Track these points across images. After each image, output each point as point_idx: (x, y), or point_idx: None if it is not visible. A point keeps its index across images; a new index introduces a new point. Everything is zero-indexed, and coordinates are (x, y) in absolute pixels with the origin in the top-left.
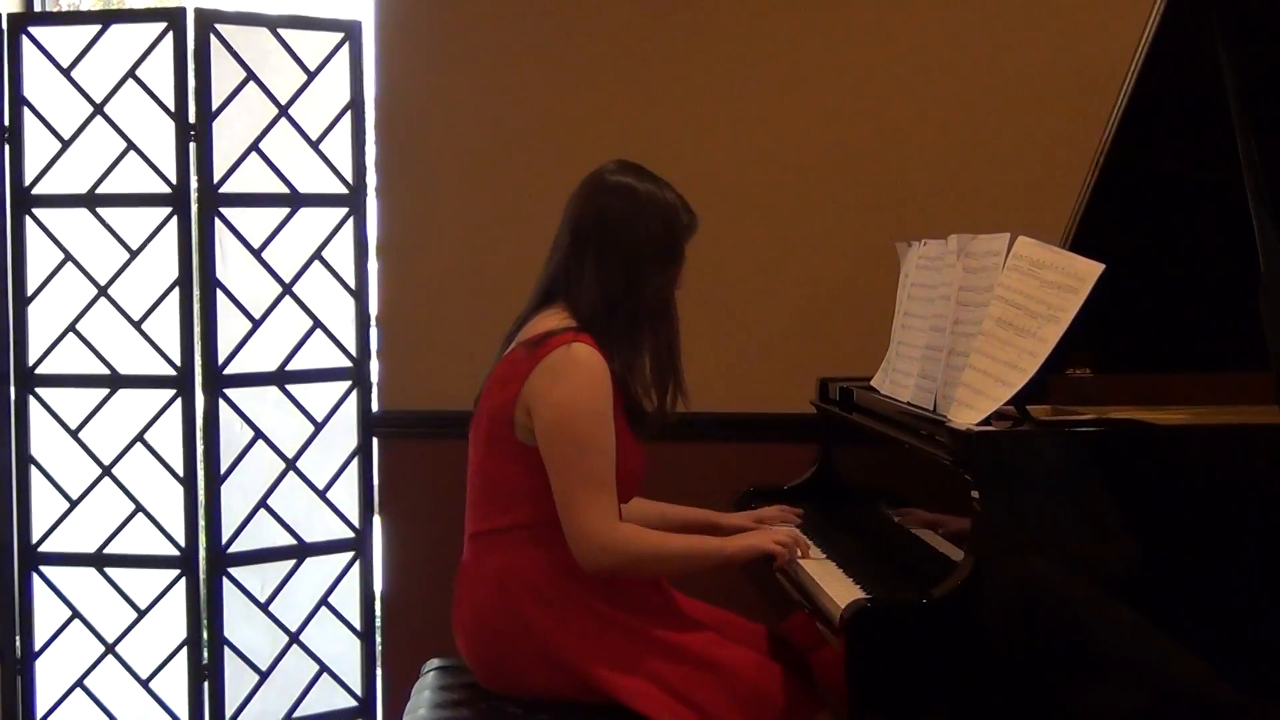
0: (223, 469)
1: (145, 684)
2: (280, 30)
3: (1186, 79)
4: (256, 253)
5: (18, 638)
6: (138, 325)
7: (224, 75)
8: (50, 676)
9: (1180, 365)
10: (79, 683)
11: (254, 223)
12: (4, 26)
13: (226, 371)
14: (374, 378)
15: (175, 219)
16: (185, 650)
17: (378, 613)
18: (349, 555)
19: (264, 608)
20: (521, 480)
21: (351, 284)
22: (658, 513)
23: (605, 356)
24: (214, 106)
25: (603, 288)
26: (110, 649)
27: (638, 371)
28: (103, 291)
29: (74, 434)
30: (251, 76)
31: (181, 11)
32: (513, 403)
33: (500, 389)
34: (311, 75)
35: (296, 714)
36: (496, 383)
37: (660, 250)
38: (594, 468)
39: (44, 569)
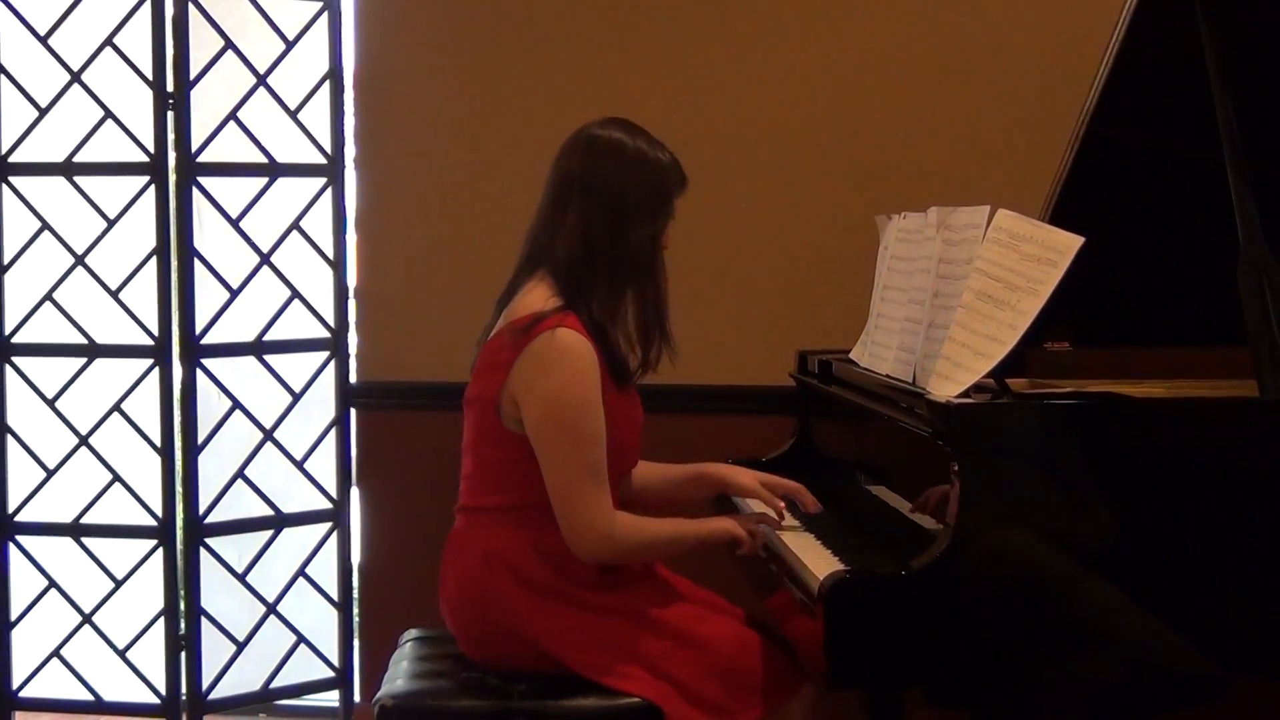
0: (200, 439)
1: (122, 654)
2: None
3: (1167, 52)
4: (234, 222)
5: None
6: (115, 295)
7: (202, 44)
8: (27, 646)
9: (1158, 339)
10: (55, 653)
11: (232, 192)
12: None
13: (204, 341)
14: (352, 349)
15: (153, 188)
16: (162, 620)
17: (355, 584)
18: (326, 526)
19: (241, 578)
20: (510, 465)
21: (330, 254)
22: (658, 473)
23: (586, 307)
24: (192, 75)
25: (586, 235)
26: (87, 619)
27: (620, 321)
28: (80, 260)
29: (51, 403)
30: (230, 45)
31: None
32: (498, 392)
33: (486, 378)
34: (290, 45)
35: (274, 684)
36: (483, 370)
37: (648, 201)
38: (587, 459)
39: (20, 539)
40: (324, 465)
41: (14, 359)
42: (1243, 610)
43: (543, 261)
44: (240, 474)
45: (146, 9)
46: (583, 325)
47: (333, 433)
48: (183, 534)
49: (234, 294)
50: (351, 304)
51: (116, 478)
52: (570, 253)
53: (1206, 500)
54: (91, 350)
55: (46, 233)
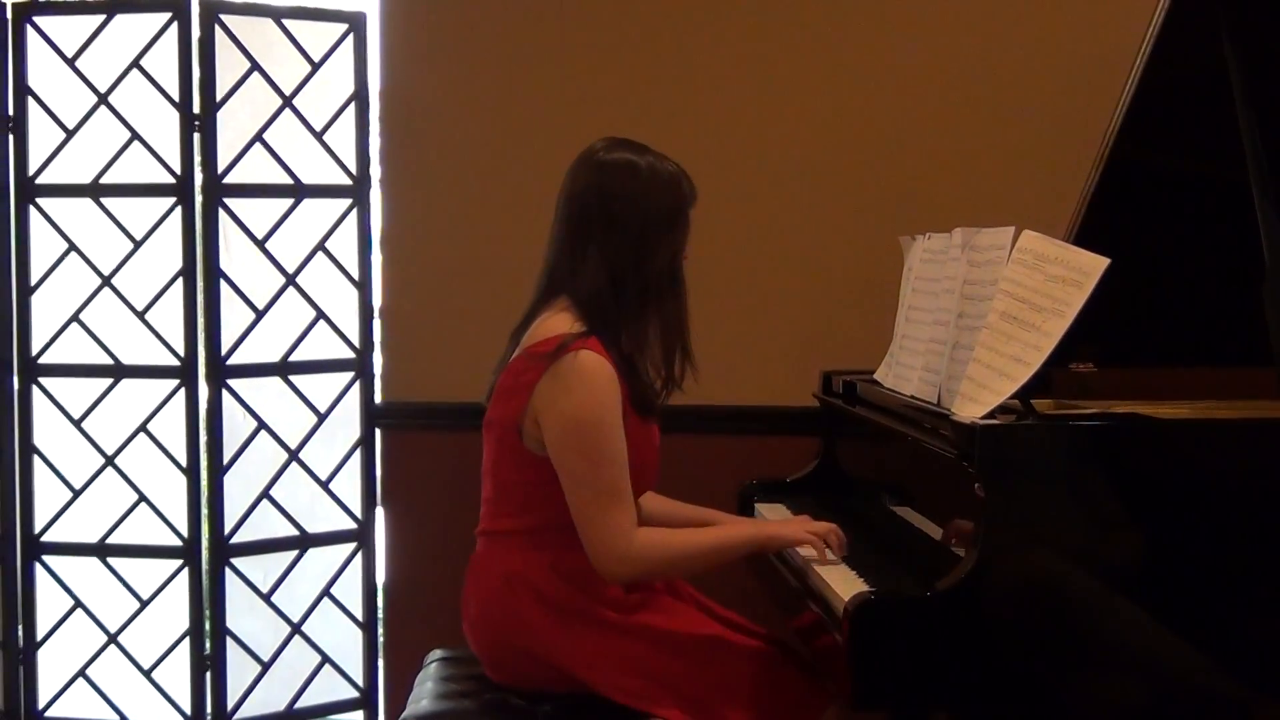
0: (226, 459)
1: (147, 674)
2: (285, 21)
3: (1191, 73)
4: (260, 243)
5: (20, 627)
6: (141, 315)
7: (228, 66)
8: (52, 666)
9: (1183, 360)
10: (81, 672)
11: (258, 213)
12: (8, 16)
13: (230, 362)
14: (377, 369)
15: (179, 209)
16: (187, 640)
17: (380, 604)
18: (351, 546)
19: (266, 598)
20: (530, 487)
21: (355, 275)
22: (668, 517)
23: (612, 338)
24: (218, 97)
25: (609, 268)
26: (113, 639)
27: (649, 347)
28: (106, 281)
29: (77, 424)
30: (256, 67)
31: (187, 1)
32: (520, 414)
33: (508, 399)
34: (316, 66)
35: (298, 705)
36: (503, 392)
37: (666, 221)
38: (607, 479)
39: (47, 559)
40: (349, 485)
41: (41, 379)
42: (1270, 633)
43: (562, 292)
44: (265, 494)
45: (173, 31)
46: (605, 349)
47: (358, 453)
48: (208, 554)
49: (260, 315)
50: (376, 324)
51: (142, 498)
52: (595, 287)
53: (1232, 522)
54: (118, 371)
55: (73, 254)
